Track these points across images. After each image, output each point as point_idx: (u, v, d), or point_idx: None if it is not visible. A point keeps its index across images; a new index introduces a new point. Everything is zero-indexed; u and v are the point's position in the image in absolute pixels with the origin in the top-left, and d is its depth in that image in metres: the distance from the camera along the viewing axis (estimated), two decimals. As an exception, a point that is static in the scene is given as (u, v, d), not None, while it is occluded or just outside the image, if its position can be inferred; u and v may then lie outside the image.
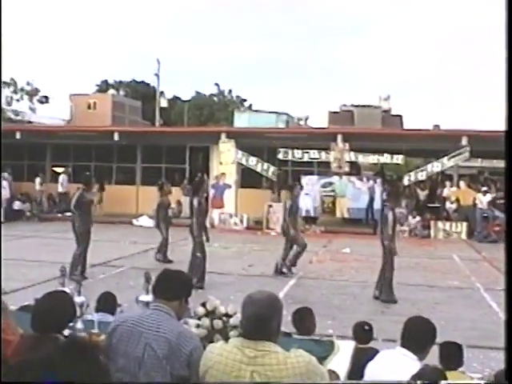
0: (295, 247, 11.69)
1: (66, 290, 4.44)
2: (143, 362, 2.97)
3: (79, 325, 4.35)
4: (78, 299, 4.52)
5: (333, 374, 3.57)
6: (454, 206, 19.71)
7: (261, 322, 2.75)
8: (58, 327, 3.17)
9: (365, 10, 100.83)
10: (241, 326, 2.87)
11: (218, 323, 3.85)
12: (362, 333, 5.22)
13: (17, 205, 21.71)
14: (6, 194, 21.36)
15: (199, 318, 3.92)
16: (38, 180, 23.14)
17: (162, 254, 12.62)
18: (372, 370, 3.60)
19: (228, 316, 3.90)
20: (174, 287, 3.23)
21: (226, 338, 3.16)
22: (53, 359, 2.41)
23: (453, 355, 4.49)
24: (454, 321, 8.28)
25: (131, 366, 3.00)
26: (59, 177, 22.86)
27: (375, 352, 4.04)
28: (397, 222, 10.32)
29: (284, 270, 11.57)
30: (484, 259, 14.47)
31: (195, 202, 10.36)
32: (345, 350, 4.14)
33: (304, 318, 5.09)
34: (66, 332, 3.67)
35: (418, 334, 3.59)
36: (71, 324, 4.10)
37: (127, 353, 3.03)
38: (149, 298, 3.96)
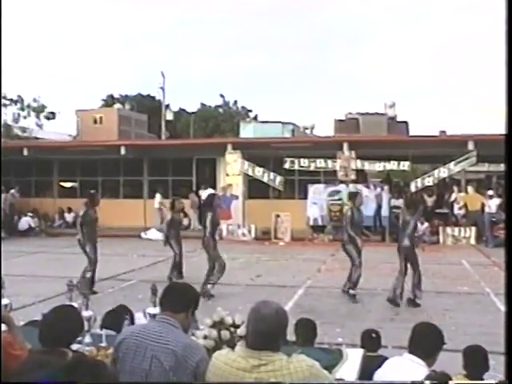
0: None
1: (74, 304, 4.46)
2: (150, 374, 2.98)
3: (87, 339, 4.36)
4: (85, 313, 4.53)
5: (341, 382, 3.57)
6: (462, 211, 19.64)
7: (270, 337, 2.76)
8: (65, 341, 3.17)
9: (368, 17, 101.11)
10: (246, 338, 2.86)
11: (225, 334, 3.85)
12: (370, 340, 5.20)
13: (25, 221, 21.81)
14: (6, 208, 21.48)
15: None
16: (158, 196, 21.72)
17: (176, 272, 11.92)
18: (380, 378, 3.59)
19: (235, 326, 3.90)
20: (180, 299, 3.24)
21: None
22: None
23: (477, 360, 4.43)
24: (464, 326, 8.24)
25: (138, 378, 3.01)
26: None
27: (384, 359, 4.02)
28: (416, 227, 10.53)
29: (350, 291, 10.30)
30: (493, 264, 14.39)
31: (209, 215, 10.42)
32: (353, 358, 4.12)
33: (306, 329, 5.08)
34: (75, 346, 3.68)
35: (425, 340, 3.58)
36: (79, 338, 4.12)
37: (134, 365, 3.04)
38: (156, 310, 3.97)
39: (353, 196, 11.03)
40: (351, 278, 10.31)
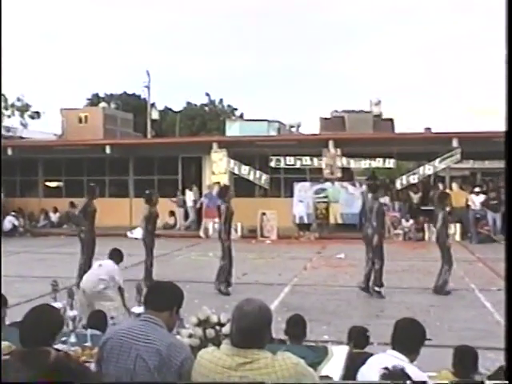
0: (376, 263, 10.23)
1: (59, 304, 4.44)
2: (134, 373, 2.97)
3: (72, 339, 4.35)
4: (70, 313, 4.52)
5: (326, 380, 3.58)
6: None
7: (253, 334, 2.76)
8: (45, 340, 3.12)
9: (354, 17, 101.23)
10: (231, 336, 2.87)
11: (210, 332, 3.85)
12: (360, 337, 5.22)
13: (9, 220, 21.65)
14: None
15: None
16: (190, 193, 21.90)
17: (149, 278, 11.21)
18: (363, 374, 3.60)
19: (221, 325, 3.90)
20: (164, 298, 3.24)
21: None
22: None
23: (467, 361, 4.45)
24: (448, 322, 8.31)
25: (123, 378, 3.00)
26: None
27: (369, 356, 4.04)
28: (448, 221, 11.08)
29: (376, 288, 10.22)
30: (478, 260, 14.52)
31: (223, 207, 10.50)
32: (338, 356, 4.14)
33: (297, 325, 5.09)
34: (60, 347, 3.66)
35: (407, 336, 3.61)
36: (64, 338, 4.10)
37: (118, 365, 3.03)
38: (141, 309, 3.96)
39: (376, 187, 10.99)
40: (375, 275, 10.19)
